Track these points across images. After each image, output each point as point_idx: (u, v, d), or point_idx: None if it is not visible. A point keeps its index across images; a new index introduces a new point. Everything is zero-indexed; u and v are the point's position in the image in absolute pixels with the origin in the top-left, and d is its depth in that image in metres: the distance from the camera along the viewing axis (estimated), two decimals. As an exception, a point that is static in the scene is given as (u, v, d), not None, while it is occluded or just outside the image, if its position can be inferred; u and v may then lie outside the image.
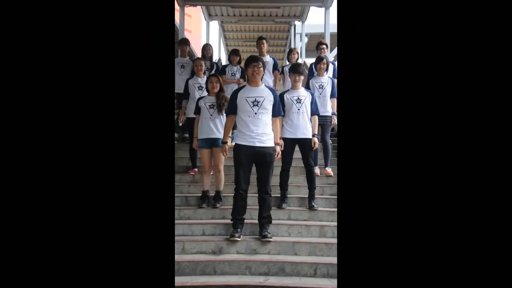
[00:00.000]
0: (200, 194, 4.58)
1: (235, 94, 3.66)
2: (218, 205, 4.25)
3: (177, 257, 3.28)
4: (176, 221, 3.78)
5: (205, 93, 5.18)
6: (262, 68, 3.63)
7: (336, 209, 3.95)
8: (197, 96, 5.15)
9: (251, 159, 3.55)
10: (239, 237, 3.54)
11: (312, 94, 4.38)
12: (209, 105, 4.33)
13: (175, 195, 4.23)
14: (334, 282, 3.07)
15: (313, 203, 4.21)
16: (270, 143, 3.58)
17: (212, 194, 4.39)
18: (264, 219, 3.62)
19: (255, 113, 3.52)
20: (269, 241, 3.53)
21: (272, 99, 3.58)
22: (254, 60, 3.63)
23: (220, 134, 4.25)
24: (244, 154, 3.51)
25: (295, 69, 4.37)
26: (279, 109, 3.71)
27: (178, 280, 3.02)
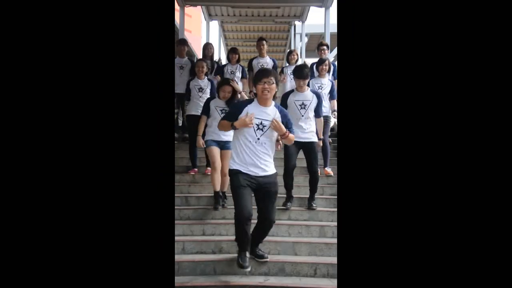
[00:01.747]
0: (201, 195, 4.58)
1: (241, 106, 3.11)
2: (219, 206, 4.21)
3: (177, 257, 3.28)
4: (176, 221, 3.78)
5: (204, 95, 5.22)
6: (275, 85, 3.02)
7: (336, 209, 3.95)
8: (197, 97, 5.18)
9: (251, 185, 3.01)
10: (248, 267, 3.06)
11: (319, 96, 4.08)
12: (221, 110, 4.18)
13: (175, 195, 4.22)
14: (334, 282, 3.08)
15: (312, 203, 4.17)
16: (273, 170, 3.08)
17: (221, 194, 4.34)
18: (260, 240, 3.30)
19: (258, 138, 2.99)
20: (270, 241, 3.53)
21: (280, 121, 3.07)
22: (265, 75, 3.01)
23: (230, 138, 4.09)
24: (245, 178, 2.99)
25: (300, 73, 3.99)
26: (291, 129, 3.16)
27: (178, 280, 3.02)
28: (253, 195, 3.08)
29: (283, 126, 2.98)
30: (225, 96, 4.16)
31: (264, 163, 3.01)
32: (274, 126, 2.94)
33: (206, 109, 4.33)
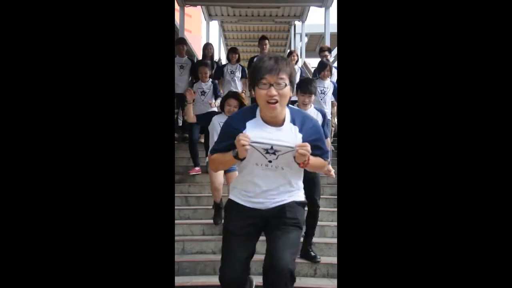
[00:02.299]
0: (201, 195, 4.57)
1: (235, 121, 1.93)
2: (220, 220, 3.90)
3: (177, 257, 3.29)
4: (176, 221, 3.78)
5: (207, 98, 5.22)
6: (288, 87, 1.79)
7: (336, 209, 3.95)
8: (200, 100, 5.19)
9: (256, 225, 1.94)
10: None
11: (324, 115, 3.36)
12: None
13: (175, 195, 4.22)
14: (334, 282, 3.08)
15: (311, 251, 3.38)
16: (295, 197, 1.96)
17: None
18: None
19: (269, 162, 1.85)
20: None
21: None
22: (270, 71, 1.76)
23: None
24: (241, 216, 1.93)
25: (306, 88, 3.19)
26: (323, 149, 1.95)
27: (178, 280, 3.02)
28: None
29: (308, 153, 1.79)
30: (231, 110, 3.59)
31: (276, 191, 1.92)
32: (299, 156, 1.78)
33: (207, 120, 3.93)
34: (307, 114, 1.96)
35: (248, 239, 1.91)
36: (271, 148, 1.82)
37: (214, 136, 3.67)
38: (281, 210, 1.90)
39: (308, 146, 1.78)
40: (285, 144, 1.81)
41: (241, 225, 1.91)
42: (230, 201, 2.01)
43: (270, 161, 1.85)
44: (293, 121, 1.88)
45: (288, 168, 1.88)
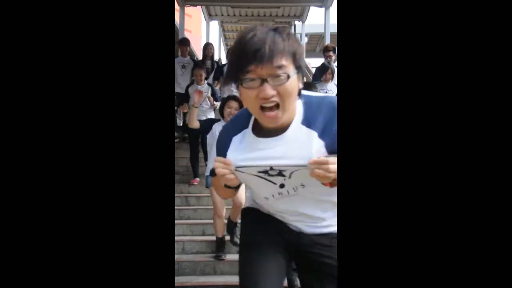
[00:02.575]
0: (201, 194, 4.58)
1: (228, 134, 1.32)
2: (223, 254, 3.55)
3: (177, 257, 3.30)
4: (176, 221, 3.79)
5: (204, 101, 5.18)
6: (295, 77, 1.11)
7: (336, 209, 3.94)
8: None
9: (283, 245, 1.35)
10: None
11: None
12: None
13: (175, 195, 4.23)
14: (334, 282, 3.07)
15: None
16: (331, 227, 1.34)
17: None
18: None
19: (281, 186, 1.22)
20: None
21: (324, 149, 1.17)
22: (253, 58, 1.06)
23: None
24: (266, 229, 1.35)
25: None
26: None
27: (178, 280, 3.03)
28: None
29: (333, 167, 1.22)
30: (232, 113, 3.21)
31: (318, 216, 1.32)
32: (316, 175, 1.15)
33: (208, 127, 3.58)
34: (331, 99, 1.24)
35: (275, 251, 1.32)
36: (271, 169, 1.18)
37: (214, 147, 3.34)
38: (324, 254, 1.30)
39: (329, 164, 1.14)
40: (291, 163, 1.15)
41: (261, 236, 1.33)
42: (248, 209, 1.43)
43: (282, 185, 1.20)
44: (308, 121, 1.18)
45: (312, 185, 1.19)
